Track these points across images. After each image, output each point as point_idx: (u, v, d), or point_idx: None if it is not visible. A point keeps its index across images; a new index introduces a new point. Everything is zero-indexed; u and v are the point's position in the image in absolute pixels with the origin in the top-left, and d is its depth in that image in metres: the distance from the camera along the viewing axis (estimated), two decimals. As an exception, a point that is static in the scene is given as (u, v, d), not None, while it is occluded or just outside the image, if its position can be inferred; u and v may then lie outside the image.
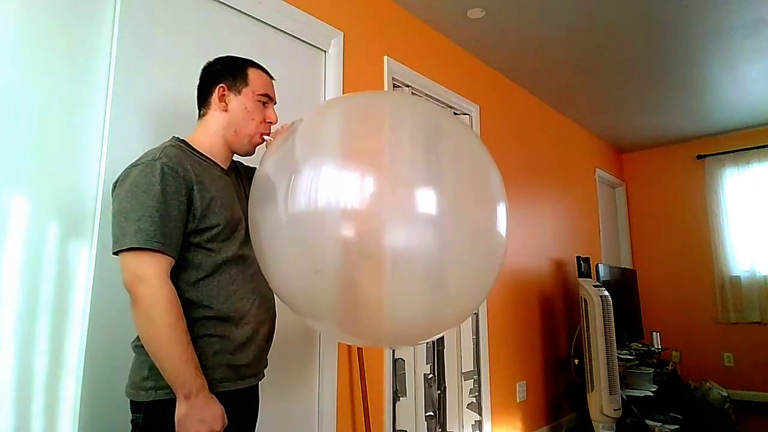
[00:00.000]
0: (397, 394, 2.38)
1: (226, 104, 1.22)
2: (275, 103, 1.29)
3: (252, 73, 1.24)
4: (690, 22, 2.85)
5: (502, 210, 1.13)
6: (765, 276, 4.42)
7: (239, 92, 1.22)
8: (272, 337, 1.27)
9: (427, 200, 1.05)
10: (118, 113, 1.46)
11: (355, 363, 2.14)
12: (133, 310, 1.01)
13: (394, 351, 2.38)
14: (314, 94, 2.16)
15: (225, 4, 1.80)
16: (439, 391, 2.67)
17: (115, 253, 1.03)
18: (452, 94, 2.94)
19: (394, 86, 2.59)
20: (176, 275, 1.07)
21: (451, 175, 1.11)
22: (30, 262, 1.27)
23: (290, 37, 2.06)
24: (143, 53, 1.55)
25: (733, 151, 4.68)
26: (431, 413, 2.58)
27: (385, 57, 2.51)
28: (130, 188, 1.04)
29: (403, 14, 2.70)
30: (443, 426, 2.66)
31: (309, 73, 2.14)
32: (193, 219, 1.08)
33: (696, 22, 2.84)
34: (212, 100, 1.22)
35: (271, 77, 1.29)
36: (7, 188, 1.25)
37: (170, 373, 0.99)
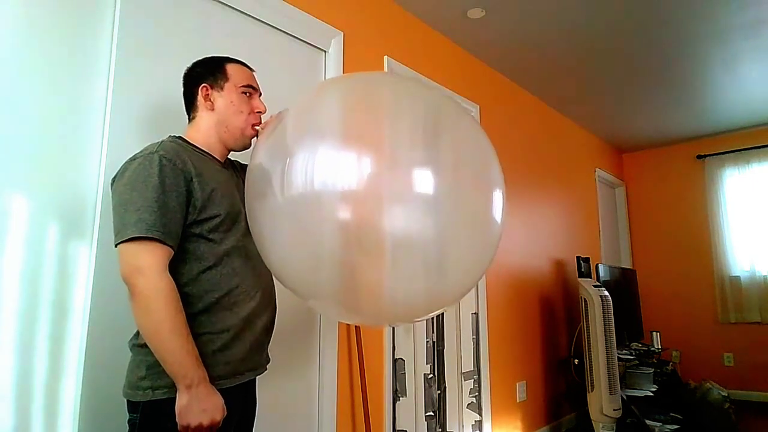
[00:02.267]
0: (397, 394, 2.38)
1: (212, 103, 1.23)
2: (261, 94, 1.30)
3: (230, 68, 1.25)
4: (690, 23, 2.85)
5: (498, 195, 1.14)
6: (765, 276, 4.42)
7: (222, 88, 1.23)
8: (271, 330, 1.27)
9: (425, 181, 1.05)
10: (118, 113, 1.46)
11: (355, 363, 2.14)
12: (132, 302, 1.01)
13: (394, 351, 2.38)
14: (314, 94, 2.16)
15: (225, 4, 1.80)
16: (439, 391, 2.67)
17: (117, 246, 1.03)
18: (452, 94, 2.94)
19: (394, 86, 2.59)
20: (177, 268, 1.07)
21: (450, 157, 1.11)
22: (30, 262, 1.27)
23: (290, 37, 2.06)
24: (143, 53, 1.55)
25: (733, 151, 4.68)
26: (431, 413, 2.58)
27: (385, 57, 2.51)
28: (128, 181, 1.05)
29: (403, 14, 2.70)
30: (443, 426, 2.66)
31: (309, 73, 2.14)
32: (194, 210, 1.09)
33: (696, 22, 2.84)
34: (198, 102, 1.24)
35: (251, 69, 1.30)
36: (7, 188, 1.25)
37: (172, 365, 0.99)
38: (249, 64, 1.31)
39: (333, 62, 2.21)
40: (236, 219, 1.18)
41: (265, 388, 1.75)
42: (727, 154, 4.72)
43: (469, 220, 1.10)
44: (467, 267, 1.14)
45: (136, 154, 1.10)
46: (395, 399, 2.36)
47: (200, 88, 1.23)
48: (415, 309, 1.14)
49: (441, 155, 1.10)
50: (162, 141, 1.14)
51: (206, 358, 1.06)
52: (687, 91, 3.81)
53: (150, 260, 1.00)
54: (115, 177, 1.10)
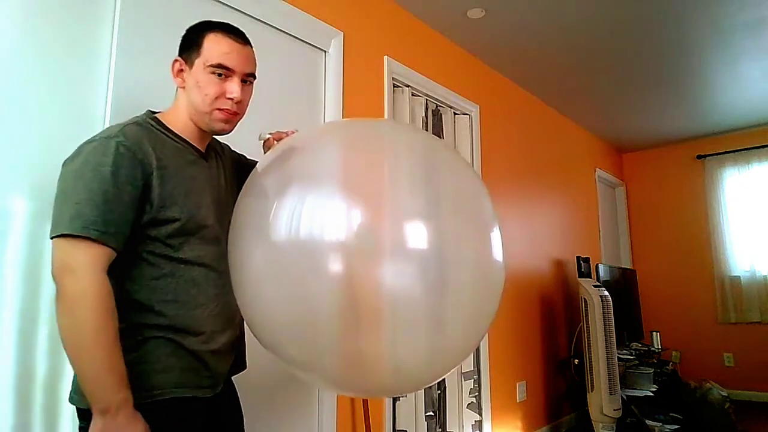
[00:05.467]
0: (397, 394, 2.38)
1: (183, 80, 1.08)
2: (249, 76, 1.08)
3: (209, 39, 1.05)
4: (691, 22, 2.85)
5: (496, 236, 1.06)
6: (765, 276, 4.43)
7: (192, 64, 1.06)
8: (237, 346, 1.14)
9: (426, 236, 0.97)
10: (118, 113, 1.46)
11: (355, 363, 2.14)
12: (57, 304, 0.87)
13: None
14: (314, 95, 2.16)
15: (225, 4, 1.80)
16: (439, 391, 2.66)
17: (51, 240, 0.90)
18: (452, 94, 2.94)
19: (394, 86, 2.59)
20: (127, 272, 0.96)
21: (448, 207, 1.03)
22: (30, 261, 1.27)
23: (290, 37, 2.06)
24: (143, 52, 1.55)
25: (733, 151, 4.68)
26: (431, 413, 2.58)
27: (385, 57, 2.51)
28: (78, 167, 0.92)
29: (403, 14, 2.70)
30: (443, 426, 2.66)
31: (309, 73, 2.14)
32: (150, 208, 0.96)
33: (697, 21, 2.84)
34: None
35: (243, 42, 1.08)
36: (7, 188, 1.25)
37: (88, 384, 0.86)
38: (244, 34, 1.10)
39: (333, 62, 2.21)
40: (202, 223, 1.03)
41: (264, 387, 1.76)
42: (727, 154, 4.72)
43: (471, 271, 1.01)
44: (472, 321, 1.04)
45: (94, 136, 0.97)
46: (395, 399, 2.36)
47: (174, 61, 1.08)
48: (417, 377, 1.02)
49: (440, 205, 1.02)
50: (126, 123, 1.00)
51: (158, 363, 0.95)
52: (687, 91, 3.81)
53: (83, 259, 0.87)
54: (66, 159, 0.96)
